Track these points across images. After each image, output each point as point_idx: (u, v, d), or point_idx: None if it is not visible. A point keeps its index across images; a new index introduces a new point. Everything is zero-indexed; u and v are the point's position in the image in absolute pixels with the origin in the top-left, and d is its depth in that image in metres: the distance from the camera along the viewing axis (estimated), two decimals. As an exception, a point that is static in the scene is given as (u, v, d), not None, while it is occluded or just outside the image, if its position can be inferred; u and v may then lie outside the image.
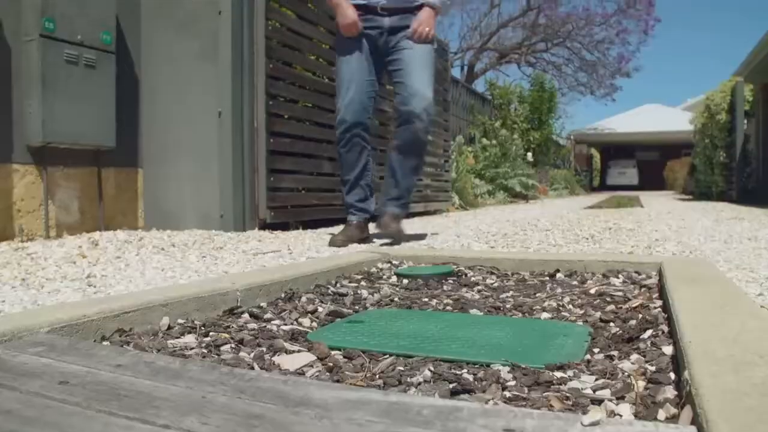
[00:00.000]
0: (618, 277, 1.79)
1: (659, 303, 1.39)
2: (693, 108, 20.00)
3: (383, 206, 3.16)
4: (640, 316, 1.26)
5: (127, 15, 4.02)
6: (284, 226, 4.00)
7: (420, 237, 3.28)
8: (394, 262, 2.07)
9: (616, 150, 31.28)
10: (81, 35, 3.57)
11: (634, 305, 1.40)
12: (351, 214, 3.13)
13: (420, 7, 3.15)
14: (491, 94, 14.01)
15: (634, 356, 0.98)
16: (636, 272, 1.82)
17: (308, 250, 2.60)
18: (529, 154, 13.31)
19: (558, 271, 1.89)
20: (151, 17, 4.13)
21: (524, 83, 19.24)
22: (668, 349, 0.98)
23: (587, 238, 3.06)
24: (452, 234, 3.53)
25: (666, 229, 3.71)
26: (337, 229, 3.19)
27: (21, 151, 3.45)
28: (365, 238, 3.09)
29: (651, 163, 29.72)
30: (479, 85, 19.12)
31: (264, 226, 3.91)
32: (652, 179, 26.69)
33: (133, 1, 4.10)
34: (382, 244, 2.84)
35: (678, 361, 0.88)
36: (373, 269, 1.96)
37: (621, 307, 1.40)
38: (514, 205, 9.26)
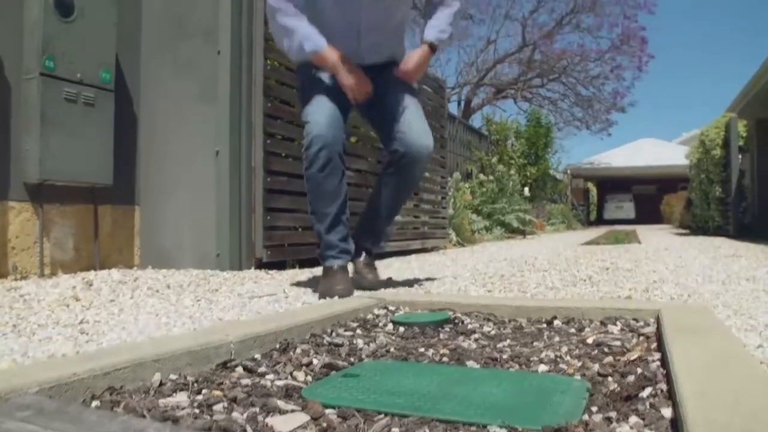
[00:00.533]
0: (616, 325, 1.78)
1: (657, 356, 1.37)
2: (688, 142, 20.17)
3: (356, 246, 2.78)
4: (639, 370, 1.24)
5: (127, 53, 4.05)
6: (281, 265, 3.99)
7: (416, 281, 3.25)
8: (390, 307, 2.05)
9: (613, 184, 31.42)
10: (81, 74, 3.60)
11: (632, 358, 1.38)
12: (333, 257, 2.59)
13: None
14: (488, 130, 14.11)
15: (633, 419, 0.96)
16: (634, 319, 1.81)
17: (304, 294, 2.58)
18: (526, 189, 13.35)
19: (555, 318, 1.88)
20: (151, 56, 4.16)
21: (521, 118, 19.39)
22: (667, 412, 0.96)
23: (584, 280, 3.05)
24: (449, 275, 3.51)
25: (664, 269, 3.70)
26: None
27: (17, 188, 3.46)
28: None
29: (648, 197, 29.83)
30: (476, 120, 19.30)
31: (260, 264, 3.90)
32: (649, 213, 26.77)
33: (134, 39, 4.14)
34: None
35: (678, 427, 0.86)
36: (369, 315, 1.95)
37: (619, 360, 1.38)
38: (512, 241, 9.26)
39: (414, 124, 2.72)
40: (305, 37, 2.56)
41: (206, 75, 3.94)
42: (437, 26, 2.78)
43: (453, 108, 19.34)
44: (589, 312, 1.88)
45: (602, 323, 1.81)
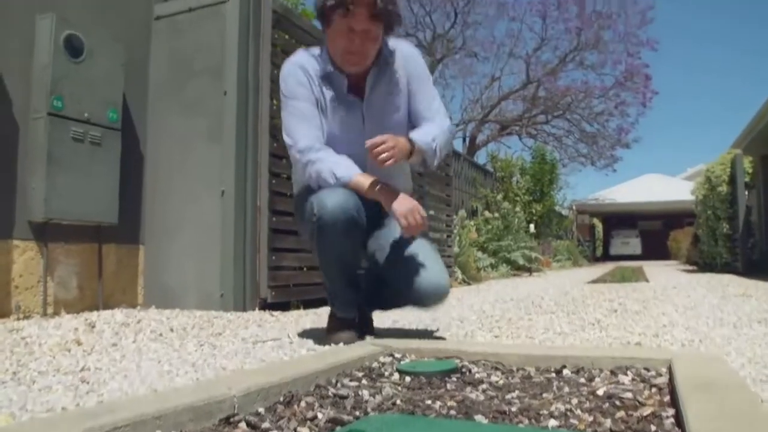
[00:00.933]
0: (627, 374, 1.73)
1: (671, 411, 1.33)
2: (693, 177, 20.18)
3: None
4: (653, 428, 1.20)
5: (134, 93, 4.08)
6: (285, 305, 3.95)
7: (421, 324, 3.21)
8: (396, 355, 2.01)
9: (619, 220, 31.36)
10: (88, 113, 3.63)
11: (645, 414, 1.34)
12: (340, 304, 2.47)
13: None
14: (493, 167, 14.15)
15: (650, 486, 0.92)
16: (645, 369, 1.77)
17: (308, 339, 2.54)
18: (532, 226, 13.33)
19: (564, 366, 1.83)
20: (158, 96, 4.20)
21: (525, 155, 19.48)
22: (686, 480, 0.93)
23: (593, 324, 3.01)
24: (455, 317, 3.47)
25: (673, 311, 3.65)
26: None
27: (22, 227, 3.46)
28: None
29: (654, 233, 29.74)
30: (481, 157, 19.37)
31: (265, 305, 3.87)
32: (656, 249, 26.65)
33: (141, 79, 4.18)
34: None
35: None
36: (375, 364, 1.91)
37: (632, 415, 1.34)
38: (518, 279, 9.20)
39: (430, 269, 2.33)
40: (335, 164, 2.30)
41: (212, 115, 3.96)
42: (428, 132, 2.39)
43: (458, 144, 19.48)
44: (599, 361, 1.84)
45: (613, 372, 1.77)
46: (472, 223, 9.56)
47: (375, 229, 2.46)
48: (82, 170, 3.59)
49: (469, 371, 1.83)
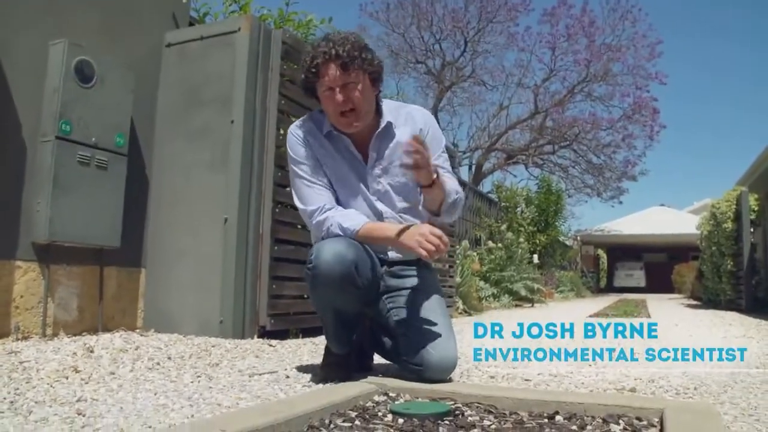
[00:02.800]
0: (618, 423, 1.74)
1: (660, 468, 1.34)
2: (699, 211, 20.15)
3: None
4: (640, 486, 1.21)
5: (142, 119, 4.14)
6: (284, 333, 3.96)
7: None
8: (391, 394, 2.02)
9: (623, 251, 31.25)
10: (95, 137, 3.68)
11: (634, 469, 1.35)
12: (336, 342, 2.40)
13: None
14: (498, 197, 14.17)
15: None
16: (637, 418, 1.77)
17: (305, 373, 2.55)
18: (535, 257, 13.32)
19: (557, 413, 1.84)
20: (166, 122, 4.25)
21: (531, 184, 19.50)
22: None
23: (590, 365, 3.00)
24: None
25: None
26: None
27: (25, 248, 3.49)
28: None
29: (658, 265, 29.62)
30: (487, 185, 19.41)
31: (264, 333, 3.87)
32: (660, 281, 26.51)
33: (150, 105, 4.23)
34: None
35: None
36: (369, 403, 1.92)
37: (621, 469, 1.35)
38: (519, 311, 9.18)
39: (440, 342, 2.25)
40: (343, 216, 2.30)
41: (219, 143, 4.00)
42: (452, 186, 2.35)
43: (464, 172, 19.54)
44: (592, 408, 1.85)
45: (604, 421, 1.77)
46: (475, 253, 9.56)
47: (399, 288, 2.42)
48: (87, 193, 3.63)
49: (462, 414, 1.84)
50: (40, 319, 3.52)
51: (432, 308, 2.36)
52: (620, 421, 1.76)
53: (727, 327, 6.07)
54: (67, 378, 2.31)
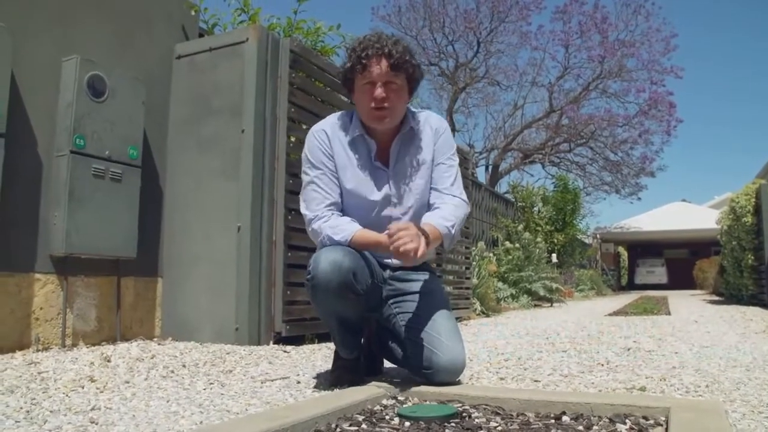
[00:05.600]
0: (625, 423, 1.74)
1: (661, 466, 1.35)
2: (720, 206, 19.91)
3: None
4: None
5: (154, 130, 4.20)
6: (299, 339, 3.99)
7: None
8: (399, 397, 2.04)
9: (644, 248, 30.99)
10: (109, 151, 3.74)
11: (635, 468, 1.36)
12: (344, 347, 2.42)
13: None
14: (514, 197, 14.12)
15: None
16: (644, 417, 1.78)
17: (316, 378, 2.58)
18: (554, 256, 13.25)
19: (564, 413, 1.85)
20: (178, 133, 4.31)
21: (548, 183, 19.39)
22: None
23: (602, 365, 3.00)
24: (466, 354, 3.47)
25: (687, 350, 3.62)
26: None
27: (44, 261, 3.56)
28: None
29: (680, 261, 29.35)
30: (503, 185, 19.34)
31: (279, 339, 3.91)
32: (682, 277, 26.26)
33: (161, 117, 4.29)
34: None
35: None
36: (377, 407, 1.94)
37: (622, 468, 1.36)
38: (538, 311, 9.15)
39: (447, 344, 2.25)
40: (334, 226, 2.31)
41: (230, 152, 4.05)
42: (442, 215, 2.33)
43: (480, 173, 19.50)
44: (599, 408, 1.85)
45: (611, 420, 1.78)
46: (491, 254, 9.55)
47: (404, 293, 2.45)
48: (103, 206, 3.69)
49: (469, 416, 1.85)
50: (59, 330, 3.59)
51: (438, 311, 2.36)
52: (627, 421, 1.76)
53: (747, 323, 6.01)
54: (83, 387, 2.36)
